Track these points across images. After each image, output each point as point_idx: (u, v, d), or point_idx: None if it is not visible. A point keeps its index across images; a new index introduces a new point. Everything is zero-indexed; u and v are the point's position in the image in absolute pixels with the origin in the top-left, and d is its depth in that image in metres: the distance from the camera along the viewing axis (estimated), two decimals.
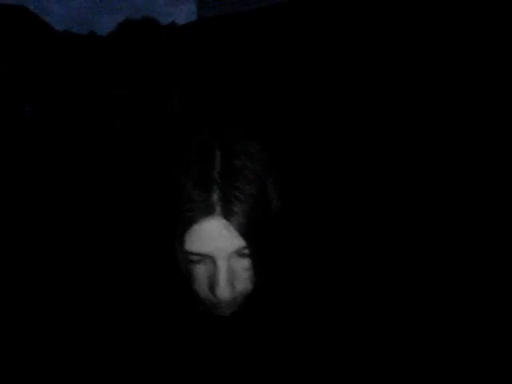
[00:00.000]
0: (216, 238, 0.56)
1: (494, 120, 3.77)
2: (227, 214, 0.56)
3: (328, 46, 5.31)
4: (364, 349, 0.66)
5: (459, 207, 3.16)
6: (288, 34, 5.81)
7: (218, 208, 0.56)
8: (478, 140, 3.79)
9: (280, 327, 0.66)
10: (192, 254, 0.58)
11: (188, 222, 0.56)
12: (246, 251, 0.59)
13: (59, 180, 5.22)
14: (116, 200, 3.90)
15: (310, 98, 5.42)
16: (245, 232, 0.56)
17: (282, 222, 0.64)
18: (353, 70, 4.99)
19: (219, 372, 0.65)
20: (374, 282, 0.73)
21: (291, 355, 0.65)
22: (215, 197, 0.56)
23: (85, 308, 0.72)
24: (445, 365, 1.59)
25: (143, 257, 0.71)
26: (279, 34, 5.92)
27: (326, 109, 5.17)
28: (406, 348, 0.70)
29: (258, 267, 0.61)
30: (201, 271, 0.60)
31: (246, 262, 0.60)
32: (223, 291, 0.57)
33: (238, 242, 0.57)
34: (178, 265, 0.61)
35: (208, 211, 0.56)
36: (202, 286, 0.60)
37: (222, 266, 0.57)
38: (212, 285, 0.59)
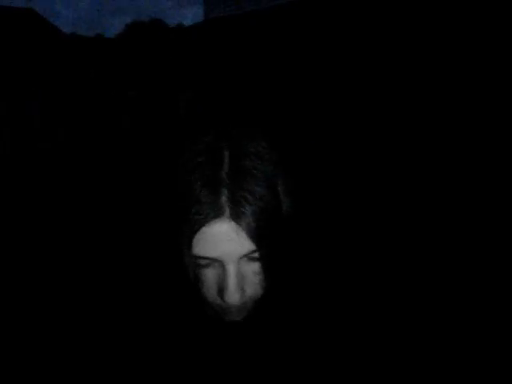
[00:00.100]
0: (225, 242, 0.54)
1: (494, 120, 3.73)
2: (236, 216, 0.54)
3: (338, 45, 5.27)
4: (378, 355, 0.64)
5: (478, 214, 3.11)
6: (296, 35, 5.79)
7: (227, 210, 0.54)
8: (480, 140, 3.75)
9: (291, 333, 0.64)
10: (200, 257, 0.57)
11: (196, 225, 0.54)
12: (256, 255, 0.57)
13: (67, 181, 5.24)
14: (123, 202, 3.90)
15: (319, 96, 5.39)
16: (254, 234, 0.54)
17: (293, 223, 0.62)
18: (368, 70, 4.94)
19: (229, 378, 0.64)
20: (388, 288, 0.72)
21: (302, 361, 0.63)
22: (224, 198, 0.54)
23: (93, 313, 0.71)
24: (451, 366, 1.58)
25: (151, 261, 0.69)
26: (286, 34, 5.91)
27: (337, 109, 5.14)
28: (422, 356, 0.68)
29: (269, 271, 0.59)
30: (209, 275, 0.58)
31: (255, 266, 0.58)
32: (232, 296, 0.55)
33: (248, 245, 0.55)
34: (186, 269, 0.59)
35: (216, 213, 0.54)
36: (210, 291, 0.59)
37: (232, 271, 0.56)
38: (221, 289, 0.57)
